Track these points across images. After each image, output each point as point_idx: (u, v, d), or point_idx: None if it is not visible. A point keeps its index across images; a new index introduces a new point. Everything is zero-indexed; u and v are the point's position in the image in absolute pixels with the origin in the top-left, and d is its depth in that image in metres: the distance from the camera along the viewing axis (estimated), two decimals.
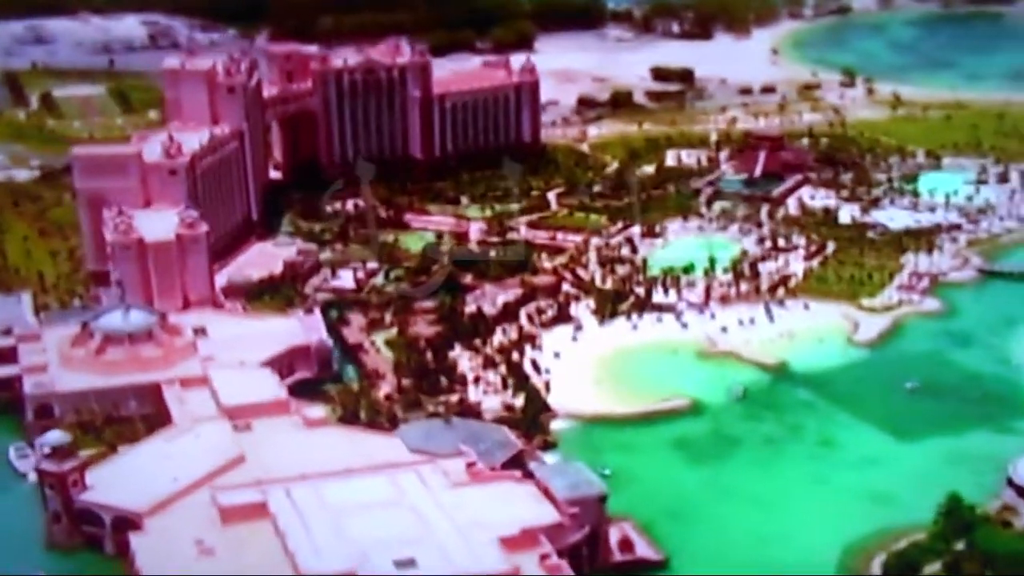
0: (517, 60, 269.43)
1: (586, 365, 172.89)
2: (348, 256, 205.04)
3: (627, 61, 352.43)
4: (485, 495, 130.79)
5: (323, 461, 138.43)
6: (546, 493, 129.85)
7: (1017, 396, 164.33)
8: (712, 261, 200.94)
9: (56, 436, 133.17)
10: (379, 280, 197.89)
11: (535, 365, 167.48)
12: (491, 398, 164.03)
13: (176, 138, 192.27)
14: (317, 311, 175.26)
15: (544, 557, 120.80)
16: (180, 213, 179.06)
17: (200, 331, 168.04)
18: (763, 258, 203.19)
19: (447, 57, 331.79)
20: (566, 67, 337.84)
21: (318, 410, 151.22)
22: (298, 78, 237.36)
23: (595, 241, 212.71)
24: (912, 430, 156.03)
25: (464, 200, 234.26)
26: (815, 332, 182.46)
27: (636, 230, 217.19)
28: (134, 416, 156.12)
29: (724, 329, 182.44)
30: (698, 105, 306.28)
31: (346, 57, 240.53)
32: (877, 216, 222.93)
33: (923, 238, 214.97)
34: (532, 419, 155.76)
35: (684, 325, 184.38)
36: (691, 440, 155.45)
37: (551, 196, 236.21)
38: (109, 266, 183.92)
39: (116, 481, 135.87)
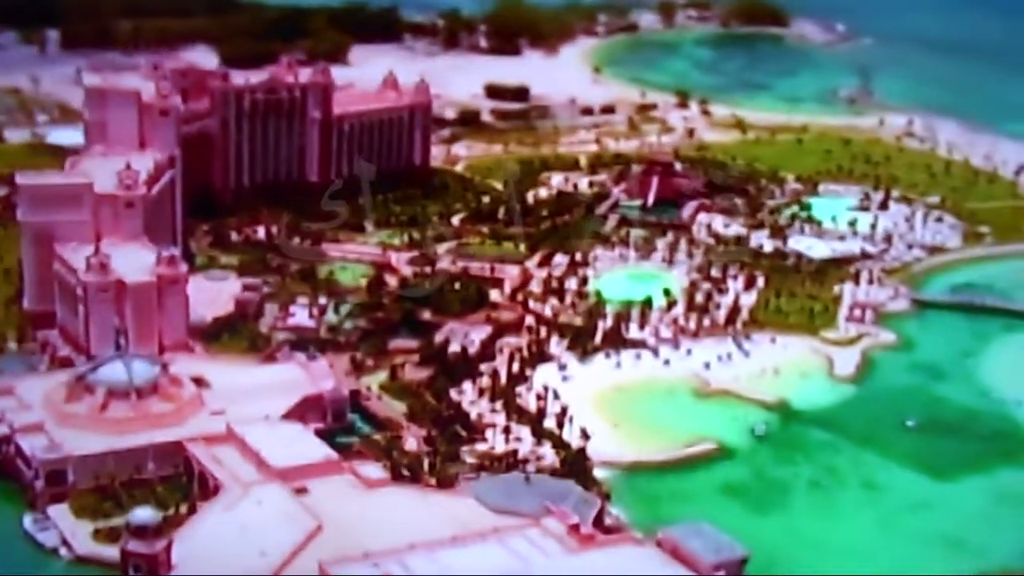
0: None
1: (589, 407, 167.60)
2: (290, 291, 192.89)
3: (449, 76, 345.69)
4: (611, 560, 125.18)
5: (408, 527, 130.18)
6: (675, 554, 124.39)
7: (1021, 432, 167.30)
8: (667, 293, 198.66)
9: (146, 514, 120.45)
10: (331, 317, 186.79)
11: (564, 411, 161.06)
12: (511, 446, 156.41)
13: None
14: (321, 357, 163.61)
15: None
16: (159, 250, 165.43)
17: (200, 381, 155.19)
18: (719, 290, 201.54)
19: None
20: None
21: (374, 469, 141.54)
22: (193, 96, 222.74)
23: (537, 272, 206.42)
24: (944, 470, 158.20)
25: (368, 227, 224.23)
26: (794, 367, 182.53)
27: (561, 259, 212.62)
28: (152, 479, 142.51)
29: (707, 365, 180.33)
30: (545, 125, 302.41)
31: (248, 76, 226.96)
32: (794, 245, 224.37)
33: (844, 267, 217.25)
34: (578, 470, 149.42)
35: (666, 362, 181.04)
36: (739, 487, 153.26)
37: (455, 222, 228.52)
38: (57, 307, 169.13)
39: (200, 559, 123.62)
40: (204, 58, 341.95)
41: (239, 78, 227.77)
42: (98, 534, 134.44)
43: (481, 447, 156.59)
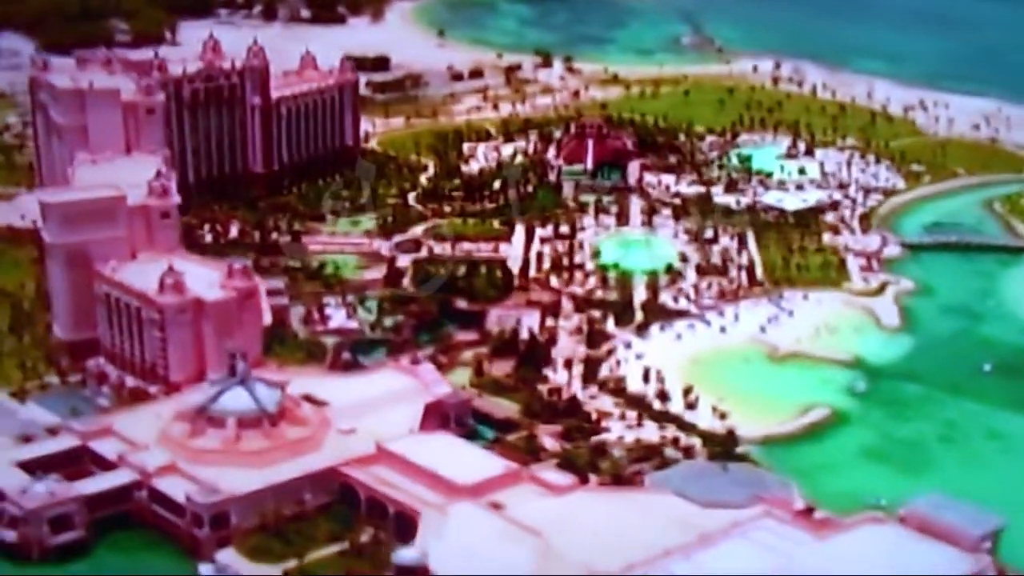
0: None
1: (682, 382, 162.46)
2: (306, 292, 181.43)
3: (286, 48, 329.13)
4: (867, 542, 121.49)
5: (628, 532, 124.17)
6: (926, 529, 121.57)
7: None
8: (684, 259, 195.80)
9: (410, 554, 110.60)
10: (365, 315, 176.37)
11: (689, 390, 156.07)
12: (635, 431, 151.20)
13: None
14: (426, 361, 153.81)
15: None
16: (229, 263, 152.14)
17: (312, 399, 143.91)
18: (738, 252, 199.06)
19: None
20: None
21: (555, 474, 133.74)
22: None
23: (537, 248, 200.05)
24: None
25: (328, 216, 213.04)
26: (844, 323, 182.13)
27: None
28: (309, 511, 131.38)
29: (762, 329, 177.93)
30: (425, 94, 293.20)
31: (185, 64, 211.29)
32: (765, 199, 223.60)
33: (819, 217, 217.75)
34: (731, 451, 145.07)
35: (722, 329, 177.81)
36: (877, 451, 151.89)
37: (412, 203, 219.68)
38: (104, 334, 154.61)
39: None
40: (18, 45, 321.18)
41: (175, 67, 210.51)
42: None
43: (606, 437, 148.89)
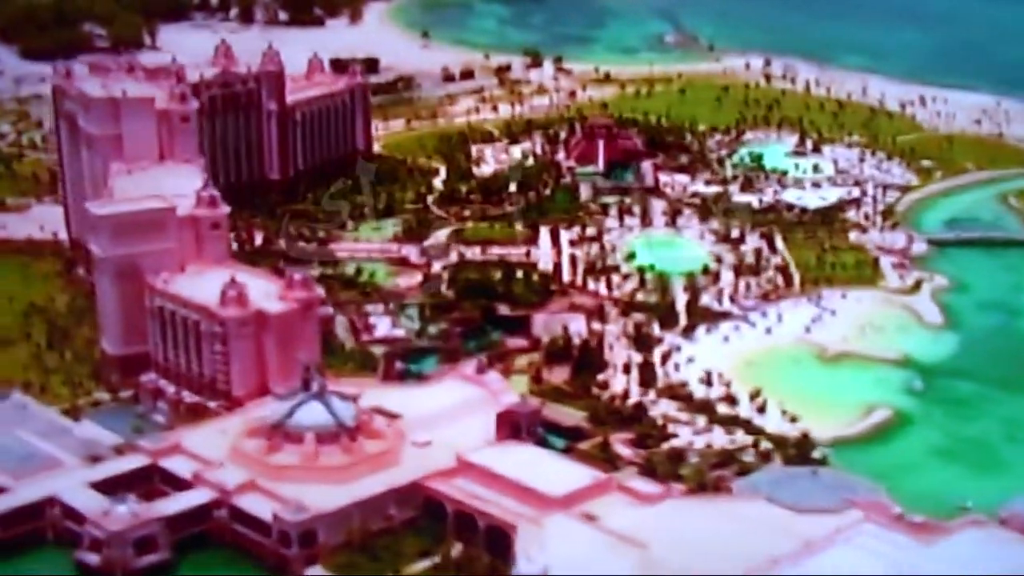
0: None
1: (739, 385, 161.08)
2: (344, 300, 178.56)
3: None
4: (974, 546, 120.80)
5: (726, 539, 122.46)
6: None
7: None
8: (719, 260, 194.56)
9: (532, 570, 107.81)
10: (408, 323, 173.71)
11: (757, 393, 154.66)
12: (703, 436, 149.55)
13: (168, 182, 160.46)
14: (491, 370, 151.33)
15: None
16: (289, 273, 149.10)
17: (383, 411, 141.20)
18: (772, 252, 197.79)
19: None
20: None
21: (643, 483, 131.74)
22: None
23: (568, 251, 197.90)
24: None
25: (348, 222, 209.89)
26: (887, 321, 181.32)
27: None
28: (395, 526, 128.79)
29: (807, 330, 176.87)
30: (420, 96, 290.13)
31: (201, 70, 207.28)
32: (785, 197, 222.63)
33: (839, 214, 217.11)
34: (807, 455, 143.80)
35: (767, 331, 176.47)
36: (946, 450, 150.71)
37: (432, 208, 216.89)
38: (156, 348, 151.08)
39: None
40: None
41: (192, 73, 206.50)
42: None
43: (677, 443, 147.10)
